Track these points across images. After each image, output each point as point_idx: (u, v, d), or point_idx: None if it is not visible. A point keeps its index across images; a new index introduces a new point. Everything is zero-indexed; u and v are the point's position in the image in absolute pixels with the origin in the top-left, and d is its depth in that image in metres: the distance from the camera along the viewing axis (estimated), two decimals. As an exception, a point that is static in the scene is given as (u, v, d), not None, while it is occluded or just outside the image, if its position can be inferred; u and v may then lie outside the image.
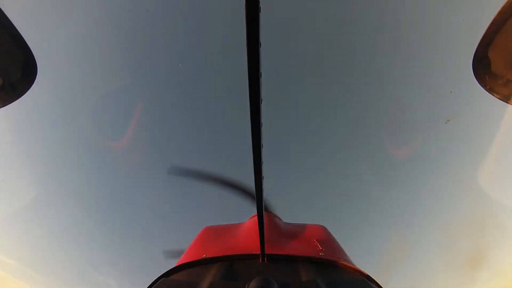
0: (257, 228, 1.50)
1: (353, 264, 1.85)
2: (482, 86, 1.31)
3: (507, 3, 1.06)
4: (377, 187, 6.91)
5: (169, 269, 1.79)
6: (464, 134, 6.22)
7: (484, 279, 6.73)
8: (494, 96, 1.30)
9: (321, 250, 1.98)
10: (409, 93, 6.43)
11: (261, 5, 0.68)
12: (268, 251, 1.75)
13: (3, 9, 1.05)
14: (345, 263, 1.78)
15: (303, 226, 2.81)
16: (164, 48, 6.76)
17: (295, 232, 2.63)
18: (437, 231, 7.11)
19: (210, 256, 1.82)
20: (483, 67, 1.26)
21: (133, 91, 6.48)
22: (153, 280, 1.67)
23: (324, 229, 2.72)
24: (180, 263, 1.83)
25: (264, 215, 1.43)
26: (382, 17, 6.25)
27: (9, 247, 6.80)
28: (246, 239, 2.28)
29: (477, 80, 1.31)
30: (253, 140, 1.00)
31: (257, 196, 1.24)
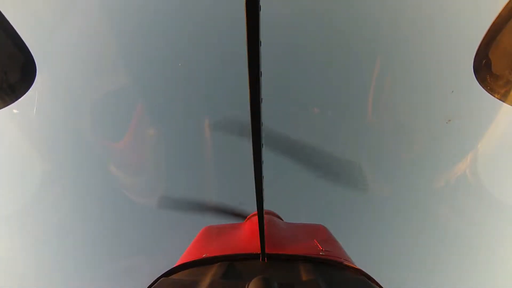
0: (257, 227, 1.50)
1: (353, 264, 1.84)
2: (482, 87, 1.31)
3: (508, 3, 1.06)
4: (378, 186, 6.91)
5: (169, 269, 1.79)
6: (465, 134, 6.21)
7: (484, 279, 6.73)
8: (494, 96, 1.30)
9: (322, 250, 1.96)
10: (410, 93, 6.43)
11: (262, 3, 0.66)
12: (268, 250, 1.74)
13: (1, 10, 1.05)
14: (345, 262, 1.77)
15: (304, 226, 2.80)
16: (164, 48, 6.75)
17: (296, 231, 2.61)
18: (437, 230, 7.11)
19: (210, 256, 1.82)
20: (484, 68, 1.26)
21: (133, 91, 6.47)
22: (153, 280, 1.66)
23: (324, 228, 2.71)
24: (180, 263, 1.83)
25: (264, 215, 1.42)
26: (384, 18, 6.25)
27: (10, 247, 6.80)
28: (246, 238, 2.27)
29: (477, 80, 1.31)
30: (253, 140, 0.99)
31: (257, 196, 1.23)
